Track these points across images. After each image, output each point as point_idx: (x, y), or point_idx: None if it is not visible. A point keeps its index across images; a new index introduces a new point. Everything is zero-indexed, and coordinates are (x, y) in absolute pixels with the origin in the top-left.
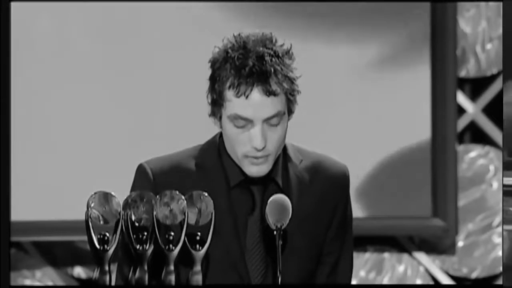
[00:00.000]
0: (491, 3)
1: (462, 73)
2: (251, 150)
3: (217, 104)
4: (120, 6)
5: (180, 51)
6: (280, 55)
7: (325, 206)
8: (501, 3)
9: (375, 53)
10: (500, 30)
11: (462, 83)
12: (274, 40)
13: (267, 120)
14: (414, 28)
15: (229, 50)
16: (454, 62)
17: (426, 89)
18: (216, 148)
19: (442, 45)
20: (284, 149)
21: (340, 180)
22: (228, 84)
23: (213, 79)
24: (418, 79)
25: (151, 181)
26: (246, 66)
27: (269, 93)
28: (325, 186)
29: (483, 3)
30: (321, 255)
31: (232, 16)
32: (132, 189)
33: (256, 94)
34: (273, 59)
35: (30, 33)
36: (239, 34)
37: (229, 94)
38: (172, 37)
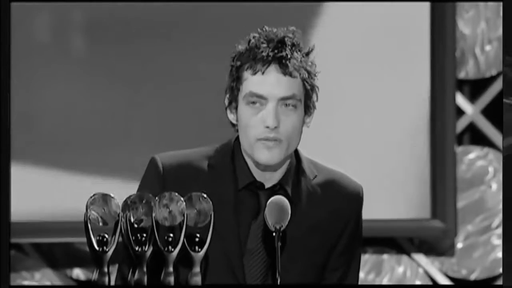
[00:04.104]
0: (490, 4)
1: (461, 75)
2: (263, 130)
3: (234, 90)
4: (121, 5)
5: (179, 50)
6: (301, 47)
7: (335, 222)
8: (500, 4)
9: (374, 55)
10: (499, 32)
11: (461, 84)
12: (297, 36)
13: (282, 101)
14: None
15: (251, 39)
16: (453, 64)
17: (425, 91)
18: (230, 150)
19: (441, 47)
20: (299, 161)
21: (353, 199)
22: (246, 66)
23: (232, 67)
24: (418, 80)
25: (161, 175)
26: (266, 48)
27: (286, 73)
28: (337, 203)
29: (482, 4)
30: (325, 270)
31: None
32: (142, 181)
33: (273, 71)
34: (293, 47)
35: (30, 33)
36: (263, 27)
37: (246, 74)
38: (173, 36)
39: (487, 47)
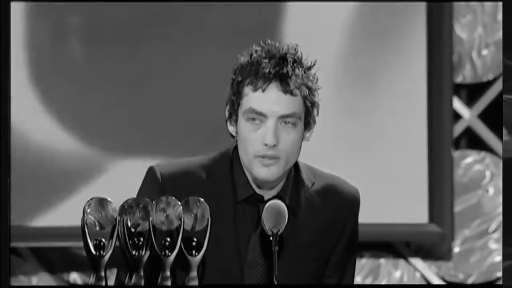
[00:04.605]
0: (487, 9)
1: (458, 79)
2: (262, 147)
3: (234, 104)
4: (121, 5)
5: (177, 52)
6: (302, 62)
7: (333, 227)
8: (497, 8)
9: (371, 59)
10: (496, 36)
11: (458, 89)
12: (299, 52)
13: (281, 119)
14: (409, 33)
15: (253, 53)
16: (450, 68)
17: (422, 95)
18: (229, 160)
19: (438, 51)
20: (298, 170)
21: (350, 204)
22: (247, 82)
23: (233, 80)
24: (415, 84)
25: (159, 184)
26: (267, 65)
27: (286, 91)
28: (335, 207)
29: (479, 9)
30: (323, 275)
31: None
32: (140, 190)
33: (274, 89)
34: (295, 64)
35: (30, 33)
36: (265, 42)
37: (247, 89)
38: (174, 36)
39: (484, 52)
